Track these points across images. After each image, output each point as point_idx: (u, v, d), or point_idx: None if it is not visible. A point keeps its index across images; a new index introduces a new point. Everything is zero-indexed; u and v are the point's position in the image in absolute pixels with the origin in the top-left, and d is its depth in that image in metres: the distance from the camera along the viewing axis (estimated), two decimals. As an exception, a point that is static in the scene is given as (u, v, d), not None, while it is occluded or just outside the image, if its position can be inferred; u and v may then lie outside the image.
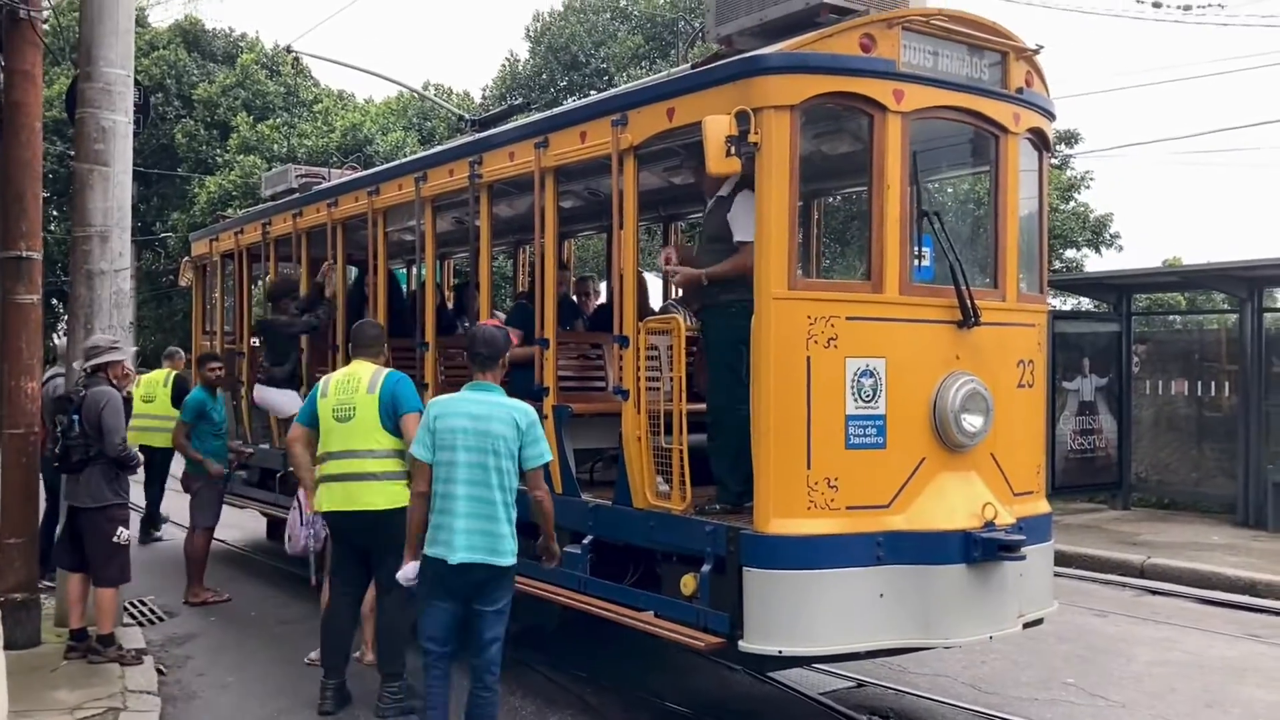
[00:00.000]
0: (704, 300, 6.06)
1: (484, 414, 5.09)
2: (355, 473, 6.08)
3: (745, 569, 5.20)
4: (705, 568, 5.47)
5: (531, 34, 31.56)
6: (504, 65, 31.92)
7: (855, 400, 5.25)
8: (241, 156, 29.71)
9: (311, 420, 6.27)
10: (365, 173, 9.54)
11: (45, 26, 7.61)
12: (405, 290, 10.27)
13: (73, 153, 8.33)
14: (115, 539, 7.00)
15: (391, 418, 6.05)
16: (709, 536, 5.46)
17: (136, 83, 8.24)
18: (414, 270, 11.98)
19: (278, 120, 31.56)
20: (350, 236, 9.32)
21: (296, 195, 10.28)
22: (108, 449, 6.88)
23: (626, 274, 6.05)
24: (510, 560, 5.07)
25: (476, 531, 4.99)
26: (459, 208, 7.96)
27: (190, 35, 35.95)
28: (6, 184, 7.44)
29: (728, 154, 5.11)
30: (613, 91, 6.93)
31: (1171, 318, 20.56)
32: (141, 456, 8.17)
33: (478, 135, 7.86)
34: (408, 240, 10.80)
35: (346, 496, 6.10)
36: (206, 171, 31.54)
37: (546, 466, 5.28)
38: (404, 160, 9.35)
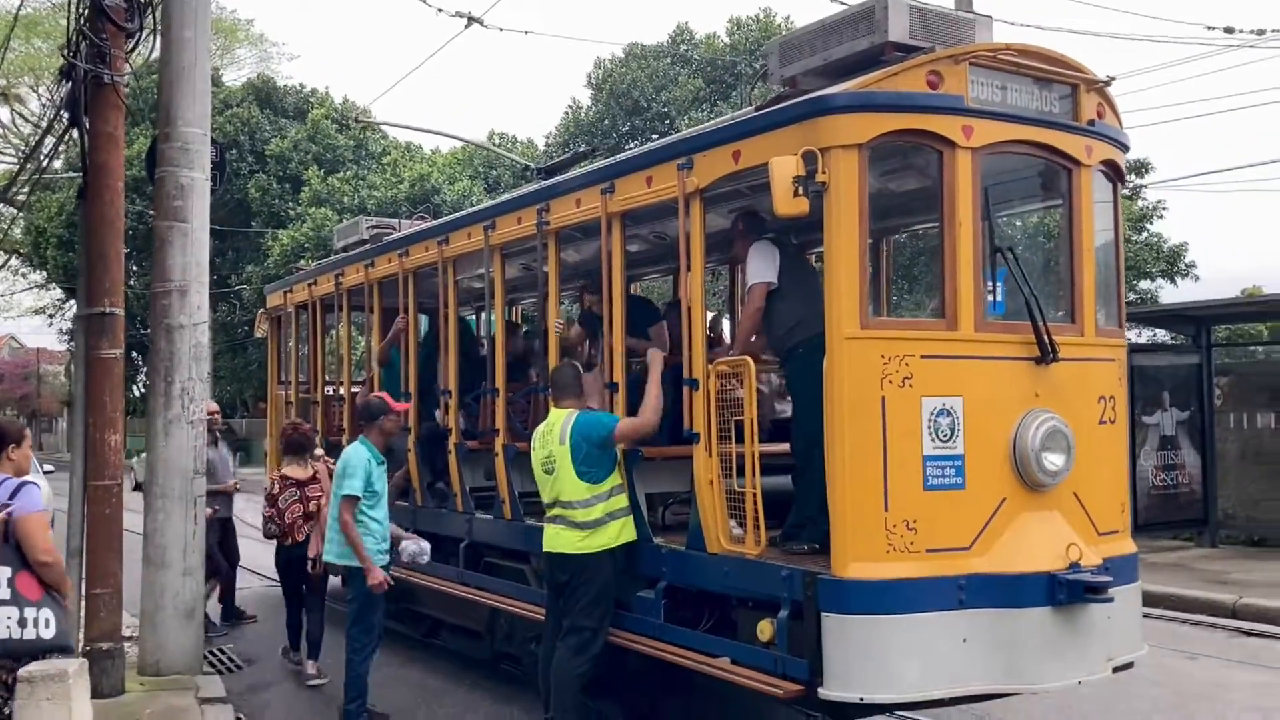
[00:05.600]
0: (781, 346, 6.03)
1: None
2: (561, 518, 6.33)
3: (824, 614, 5.10)
4: (782, 613, 5.38)
5: (593, 81, 31.92)
6: (567, 112, 32.33)
7: (932, 440, 5.15)
8: (313, 209, 30.37)
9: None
10: (435, 223, 9.66)
11: (125, 89, 7.84)
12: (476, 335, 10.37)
13: (151, 210, 8.53)
14: None
15: (586, 462, 6.20)
16: (785, 581, 5.37)
17: (213, 141, 8.48)
18: (483, 316, 12.11)
19: (348, 173, 32.24)
20: (421, 285, 9.43)
21: (368, 246, 10.45)
22: None
23: (694, 316, 6.03)
24: None
25: None
26: (527, 254, 8.03)
27: (263, 93, 37.00)
28: (90, 243, 7.67)
29: (795, 194, 5.09)
30: (678, 136, 6.96)
31: (1254, 348, 20.00)
32: None
33: (545, 183, 7.92)
34: (477, 288, 10.94)
35: (552, 539, 6.37)
36: (279, 225, 32.25)
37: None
38: (473, 210, 9.46)
